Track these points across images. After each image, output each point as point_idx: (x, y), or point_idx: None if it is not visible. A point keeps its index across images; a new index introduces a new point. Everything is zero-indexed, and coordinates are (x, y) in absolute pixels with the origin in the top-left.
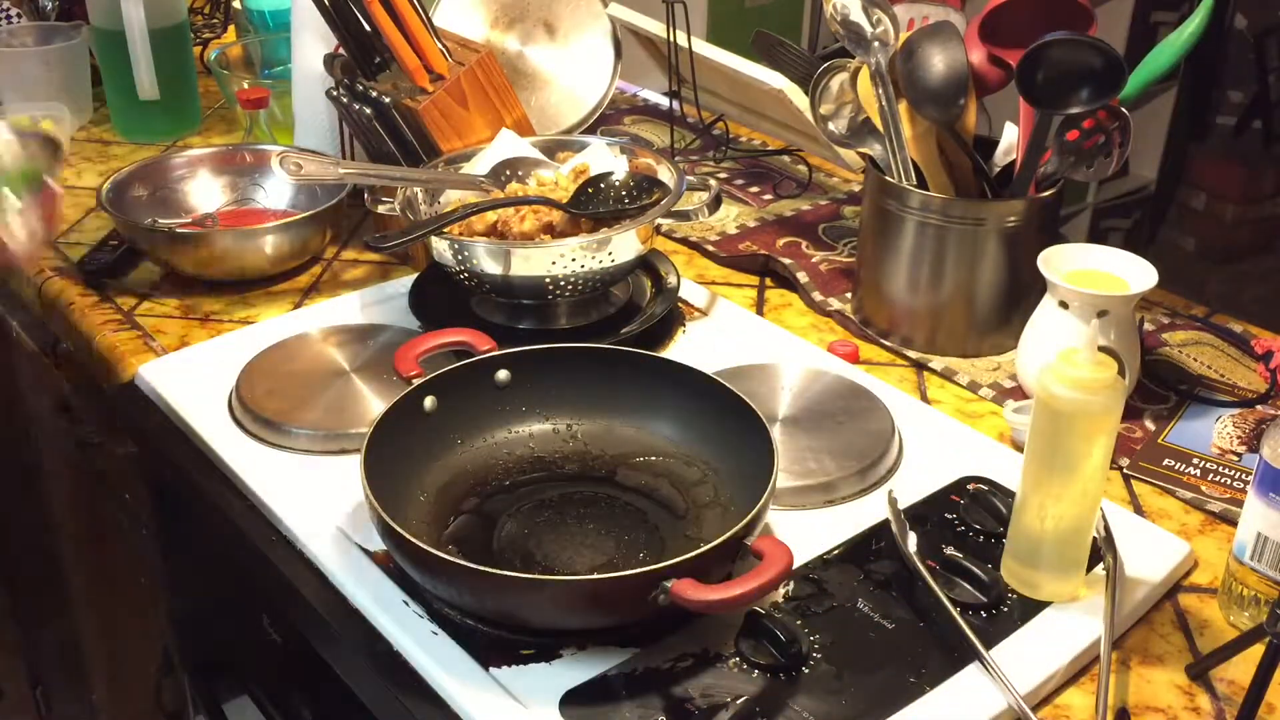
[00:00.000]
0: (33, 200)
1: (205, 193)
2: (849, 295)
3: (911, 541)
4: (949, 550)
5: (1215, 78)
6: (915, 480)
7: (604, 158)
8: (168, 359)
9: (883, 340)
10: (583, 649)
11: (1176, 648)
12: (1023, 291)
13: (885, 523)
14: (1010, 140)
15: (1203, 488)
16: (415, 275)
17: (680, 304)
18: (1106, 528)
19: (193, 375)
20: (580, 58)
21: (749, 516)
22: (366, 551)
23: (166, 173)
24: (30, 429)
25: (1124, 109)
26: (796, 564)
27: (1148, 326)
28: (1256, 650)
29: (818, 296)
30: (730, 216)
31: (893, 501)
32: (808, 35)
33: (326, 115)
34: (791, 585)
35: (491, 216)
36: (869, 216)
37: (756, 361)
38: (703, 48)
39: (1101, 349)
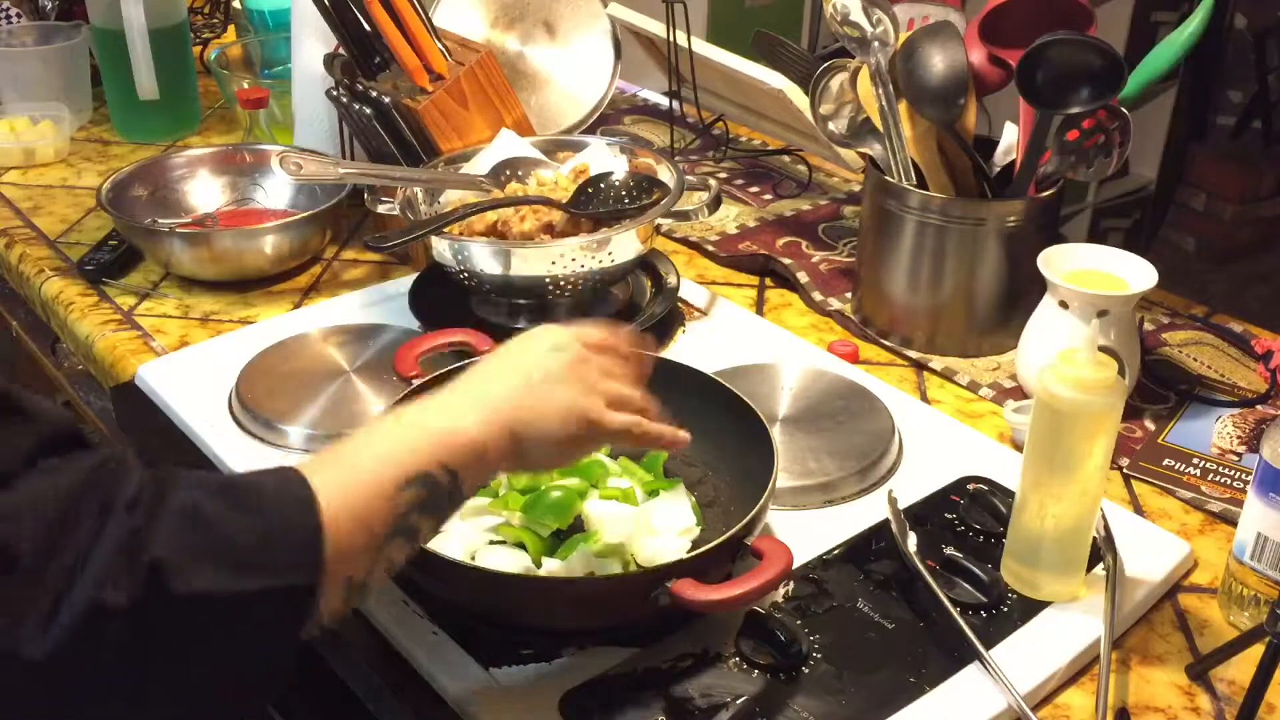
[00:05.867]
0: None
1: (205, 193)
2: (849, 295)
3: (911, 541)
4: (949, 550)
5: (1215, 78)
6: (915, 480)
7: (604, 158)
8: (168, 359)
9: (883, 340)
10: (583, 649)
11: (1176, 648)
12: (1023, 291)
13: (885, 523)
14: (1010, 140)
15: (1203, 488)
16: (415, 275)
17: (680, 304)
18: (1106, 528)
19: (193, 375)
20: (580, 58)
21: (749, 516)
22: None
23: (166, 173)
24: None
25: (1124, 109)
26: (796, 564)
27: (1148, 326)
28: (1256, 650)
29: (818, 296)
30: (730, 216)
31: (893, 501)
32: (808, 35)
33: (326, 115)
34: (791, 585)
35: (491, 216)
36: (869, 216)
37: (756, 361)
38: (703, 48)
39: (1101, 349)
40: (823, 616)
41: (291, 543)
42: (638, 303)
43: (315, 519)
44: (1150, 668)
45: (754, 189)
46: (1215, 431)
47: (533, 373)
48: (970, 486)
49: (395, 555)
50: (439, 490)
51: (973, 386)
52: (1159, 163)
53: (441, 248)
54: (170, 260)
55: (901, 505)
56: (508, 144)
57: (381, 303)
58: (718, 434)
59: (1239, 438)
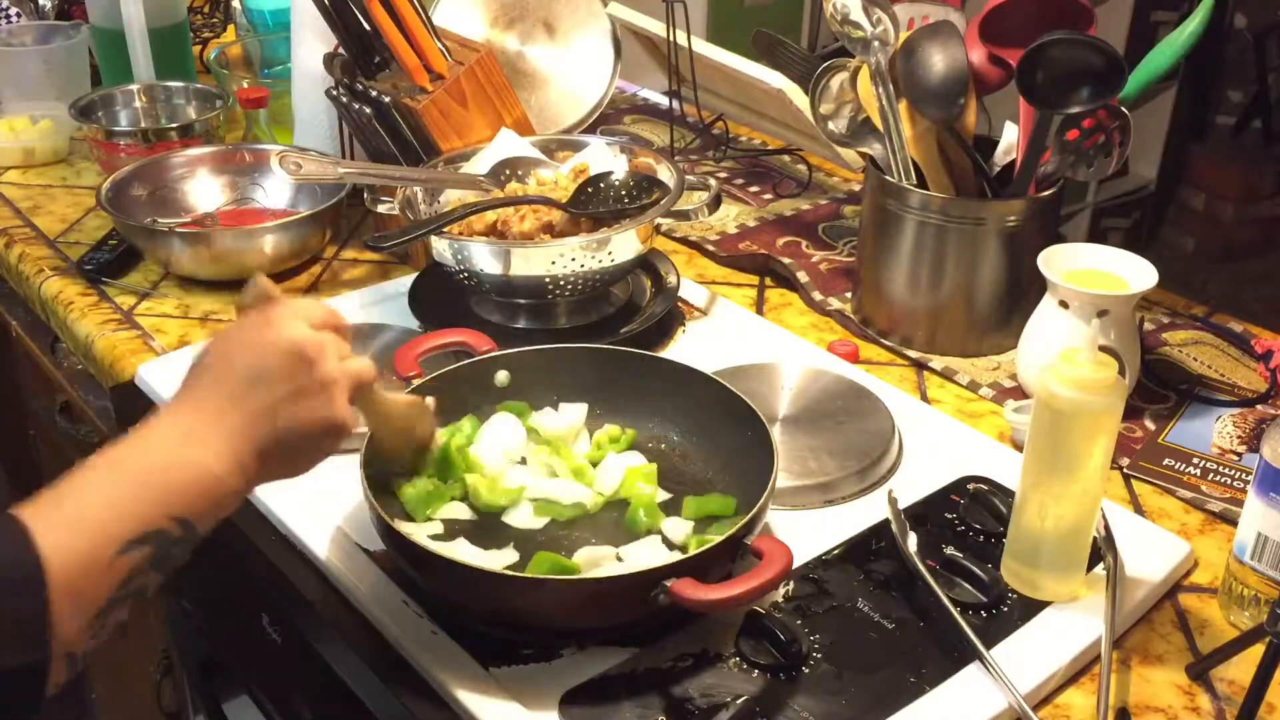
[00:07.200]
0: None
1: (205, 192)
2: (849, 295)
3: (911, 541)
4: (949, 550)
5: (1215, 78)
6: (915, 480)
7: (604, 157)
8: (168, 359)
9: (883, 340)
10: (583, 649)
11: (1176, 647)
12: (1023, 291)
13: (885, 523)
14: (1010, 140)
15: (1203, 487)
16: (415, 275)
17: (680, 304)
18: (1106, 527)
19: None
20: (580, 57)
21: (749, 516)
22: (366, 551)
23: (166, 172)
24: (30, 429)
25: (1124, 108)
26: (796, 564)
27: (1148, 326)
28: (1256, 650)
29: (818, 296)
30: (730, 216)
31: (893, 501)
32: (808, 35)
33: (326, 115)
34: (791, 585)
35: (491, 216)
36: (869, 216)
37: (756, 361)
38: (703, 47)
39: (1102, 349)
40: (823, 616)
41: (17, 621)
42: (638, 303)
43: (41, 594)
44: (1150, 668)
45: (754, 189)
46: (1215, 431)
47: (277, 387)
48: (970, 486)
49: (121, 616)
50: (171, 543)
51: (973, 386)
52: (1159, 163)
53: (441, 247)
54: (170, 260)
55: (901, 505)
56: (508, 144)
57: (381, 303)
58: (718, 434)
59: (1239, 437)
